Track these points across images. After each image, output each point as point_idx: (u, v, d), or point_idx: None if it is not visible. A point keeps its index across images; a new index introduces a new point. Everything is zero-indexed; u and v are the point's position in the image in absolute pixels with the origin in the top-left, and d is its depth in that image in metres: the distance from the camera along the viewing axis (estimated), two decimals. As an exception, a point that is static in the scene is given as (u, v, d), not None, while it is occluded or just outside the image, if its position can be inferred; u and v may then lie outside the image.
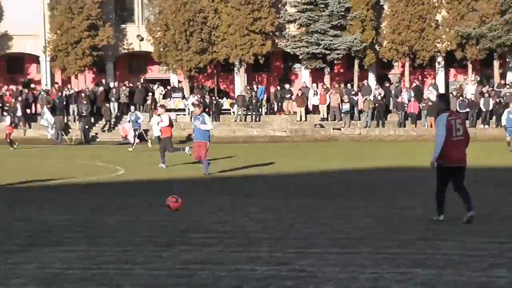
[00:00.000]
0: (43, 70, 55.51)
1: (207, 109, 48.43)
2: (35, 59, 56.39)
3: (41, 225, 11.58)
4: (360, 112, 47.72)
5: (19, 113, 48.19)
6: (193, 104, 25.30)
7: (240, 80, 53.26)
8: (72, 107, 49.20)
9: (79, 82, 54.82)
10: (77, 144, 44.58)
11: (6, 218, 12.45)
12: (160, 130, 26.66)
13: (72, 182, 19.79)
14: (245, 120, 48.97)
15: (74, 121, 48.85)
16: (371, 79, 52.29)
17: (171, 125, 25.49)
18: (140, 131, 38.03)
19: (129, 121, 38.77)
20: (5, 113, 45.57)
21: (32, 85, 55.09)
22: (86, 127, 46.67)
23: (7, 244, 9.88)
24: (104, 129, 48.18)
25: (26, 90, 51.28)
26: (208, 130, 21.42)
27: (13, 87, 51.73)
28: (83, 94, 48.39)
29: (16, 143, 39.97)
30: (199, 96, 48.49)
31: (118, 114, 48.55)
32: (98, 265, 8.47)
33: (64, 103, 49.03)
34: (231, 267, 8.35)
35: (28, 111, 50.15)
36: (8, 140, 39.80)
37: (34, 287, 7.44)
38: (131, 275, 7.97)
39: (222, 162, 26.01)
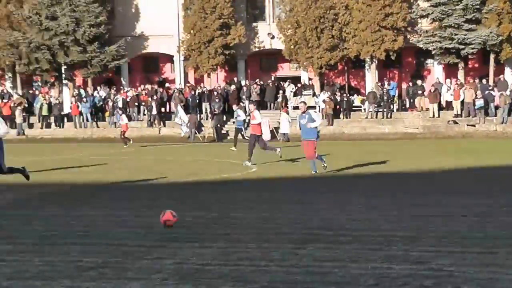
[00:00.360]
0: (177, 69, 57.00)
1: (337, 106, 48.42)
2: (169, 58, 57.95)
3: (178, 222, 11.82)
4: (496, 108, 46.40)
5: (154, 111, 49.64)
6: (300, 102, 25.03)
7: (371, 77, 52.87)
8: (205, 105, 50.20)
9: (211, 81, 55.90)
10: (209, 142, 45.40)
11: (145, 214, 12.79)
12: (248, 127, 26.35)
13: (208, 179, 20.12)
14: (376, 117, 48.55)
15: (207, 119, 49.81)
16: (508, 74, 50.78)
17: (260, 123, 25.51)
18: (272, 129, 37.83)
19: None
20: (119, 111, 46.28)
21: (167, 84, 56.60)
22: (219, 125, 47.41)
23: (147, 240, 10.16)
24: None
25: (161, 89, 52.73)
26: (316, 127, 21.13)
27: (148, 86, 53.25)
28: (215, 93, 49.27)
29: (131, 141, 39.74)
30: (329, 93, 48.48)
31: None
32: (235, 262, 8.58)
33: (197, 101, 50.07)
34: (367, 265, 8.27)
35: (162, 109, 51.57)
36: (122, 137, 39.75)
37: (174, 282, 7.60)
38: (267, 272, 8.02)
39: (347, 159, 25.83)
